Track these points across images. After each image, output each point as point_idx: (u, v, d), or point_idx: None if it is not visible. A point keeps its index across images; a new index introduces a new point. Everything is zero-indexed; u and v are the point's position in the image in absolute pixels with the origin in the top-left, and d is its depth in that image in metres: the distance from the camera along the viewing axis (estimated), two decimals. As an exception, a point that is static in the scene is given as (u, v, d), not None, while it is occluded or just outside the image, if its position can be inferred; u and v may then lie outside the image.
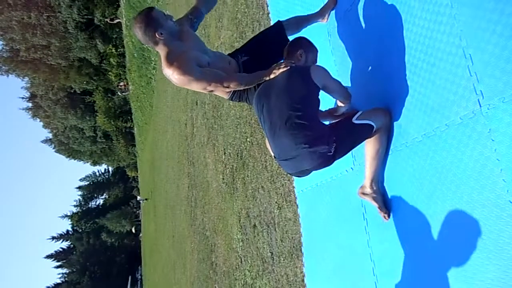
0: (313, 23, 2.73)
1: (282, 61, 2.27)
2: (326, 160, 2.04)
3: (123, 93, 33.77)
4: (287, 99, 2.03)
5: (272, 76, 2.18)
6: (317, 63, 2.35)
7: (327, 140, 1.97)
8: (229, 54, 2.54)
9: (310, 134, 1.95)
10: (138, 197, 26.18)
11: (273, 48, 2.49)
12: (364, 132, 2.09)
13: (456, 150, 1.79)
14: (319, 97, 2.11)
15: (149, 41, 2.19)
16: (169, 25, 2.21)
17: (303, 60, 2.26)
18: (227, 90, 2.31)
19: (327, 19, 2.78)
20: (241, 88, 2.32)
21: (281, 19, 2.61)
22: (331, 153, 1.98)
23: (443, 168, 1.86)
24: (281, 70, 2.14)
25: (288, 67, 2.14)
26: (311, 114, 2.02)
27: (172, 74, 2.16)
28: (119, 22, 30.89)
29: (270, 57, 2.47)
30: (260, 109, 2.18)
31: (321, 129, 2.02)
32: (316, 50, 2.38)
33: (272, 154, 2.25)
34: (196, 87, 2.23)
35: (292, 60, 2.22)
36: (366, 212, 2.41)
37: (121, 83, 33.91)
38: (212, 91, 2.33)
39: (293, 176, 2.30)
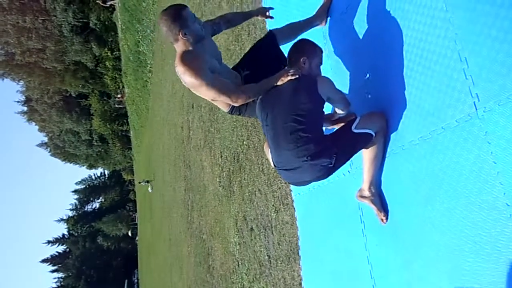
0: (311, 29, 2.71)
1: (288, 68, 2.24)
2: (327, 172, 2.07)
3: (119, 105, 33.95)
4: (292, 111, 2.02)
5: (279, 83, 2.16)
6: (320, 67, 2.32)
7: (329, 153, 1.99)
8: (232, 68, 2.56)
9: (313, 148, 1.97)
10: (139, 181, 22.79)
11: (267, 62, 2.49)
12: (364, 141, 2.11)
13: (453, 153, 1.79)
14: (323, 109, 2.14)
15: (170, 37, 2.18)
16: (195, 28, 2.20)
17: (307, 67, 2.21)
18: (236, 104, 2.30)
19: (325, 22, 2.75)
20: (250, 101, 2.29)
21: (272, 29, 2.59)
22: (331, 165, 2.02)
23: (439, 171, 1.86)
24: (288, 78, 2.13)
25: (296, 76, 2.12)
26: (315, 127, 2.04)
27: (183, 73, 2.15)
28: (112, 4, 30.53)
29: (266, 71, 2.45)
30: (264, 118, 2.17)
31: (323, 142, 2.03)
32: (321, 52, 2.32)
33: (271, 162, 2.25)
34: (205, 94, 2.23)
35: (295, 68, 2.19)
36: (363, 215, 2.41)
37: (118, 95, 34.10)
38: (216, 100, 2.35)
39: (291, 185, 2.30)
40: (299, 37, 2.63)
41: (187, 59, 2.15)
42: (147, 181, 18.84)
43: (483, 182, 1.65)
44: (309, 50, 2.27)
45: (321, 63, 2.32)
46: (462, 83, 1.73)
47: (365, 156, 2.19)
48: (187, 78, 2.15)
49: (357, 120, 2.12)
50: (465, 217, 1.73)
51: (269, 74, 2.46)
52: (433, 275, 1.90)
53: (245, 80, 2.43)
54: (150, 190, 19.16)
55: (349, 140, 2.09)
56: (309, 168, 2.01)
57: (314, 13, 2.73)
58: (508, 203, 1.55)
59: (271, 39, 2.53)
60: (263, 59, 2.52)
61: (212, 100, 2.39)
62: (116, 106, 35.59)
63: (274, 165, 2.20)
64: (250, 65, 2.52)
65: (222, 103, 2.40)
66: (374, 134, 2.10)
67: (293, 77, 2.12)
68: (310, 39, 2.83)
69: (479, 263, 1.66)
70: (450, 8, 1.80)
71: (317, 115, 2.08)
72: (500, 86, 1.57)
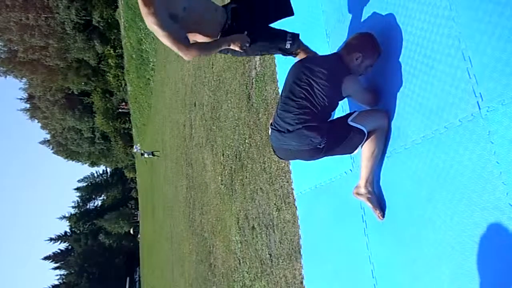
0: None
1: (244, 37, 2.21)
2: (313, 152, 2.10)
3: (123, 110, 34.20)
4: (313, 84, 2.08)
5: (232, 47, 2.20)
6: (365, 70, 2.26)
7: (322, 133, 2.04)
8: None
9: (311, 120, 2.03)
10: (141, 152, 18.69)
11: (270, 12, 2.38)
12: (355, 136, 2.11)
13: (455, 152, 1.78)
14: (339, 102, 2.17)
15: None
16: None
17: (357, 64, 2.17)
18: (186, 58, 2.24)
19: None
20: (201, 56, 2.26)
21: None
22: (320, 147, 2.06)
23: (442, 170, 1.85)
24: (236, 48, 2.21)
25: (243, 48, 2.21)
26: (324, 108, 2.08)
27: (144, 16, 2.06)
28: None
29: (262, 17, 2.38)
30: (291, 72, 2.22)
31: (322, 122, 2.08)
32: (378, 56, 2.22)
33: (271, 121, 2.29)
34: (160, 38, 2.15)
35: (348, 58, 2.16)
36: (365, 214, 2.40)
37: (123, 103, 34.52)
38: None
39: (276, 154, 2.31)
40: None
41: (148, 2, 2.02)
42: (152, 153, 15.94)
43: (485, 182, 1.64)
44: (371, 50, 2.19)
45: (371, 65, 2.25)
46: (466, 82, 1.72)
47: (363, 153, 2.19)
48: (148, 23, 2.08)
49: (355, 113, 2.14)
50: (467, 217, 1.72)
51: (263, 19, 2.38)
52: (435, 275, 1.89)
53: (232, 12, 2.30)
54: (146, 156, 16.18)
55: (341, 130, 2.11)
56: (299, 136, 2.06)
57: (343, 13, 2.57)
58: (511, 203, 1.54)
59: (287, 6, 2.39)
60: (266, 7, 2.39)
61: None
62: (120, 111, 36.00)
63: (271, 124, 2.25)
64: (243, 2, 2.37)
65: (208, 38, 2.30)
66: (366, 133, 2.10)
67: (239, 49, 2.21)
68: (314, 37, 2.83)
69: (481, 263, 1.65)
70: (454, 7, 1.79)
71: (330, 101, 2.10)
72: (504, 86, 1.56)
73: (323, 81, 2.07)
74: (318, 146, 2.05)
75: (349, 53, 2.17)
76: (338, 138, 2.11)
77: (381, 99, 2.28)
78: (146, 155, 16.95)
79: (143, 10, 2.04)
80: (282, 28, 2.45)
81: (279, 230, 3.66)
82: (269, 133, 2.30)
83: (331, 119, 2.19)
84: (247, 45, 2.24)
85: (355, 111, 2.17)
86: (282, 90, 2.25)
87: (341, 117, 2.19)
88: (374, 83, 2.36)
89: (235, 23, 2.27)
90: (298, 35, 2.42)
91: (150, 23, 2.06)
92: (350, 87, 2.13)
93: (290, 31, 2.42)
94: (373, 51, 2.20)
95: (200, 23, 2.24)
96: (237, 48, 2.23)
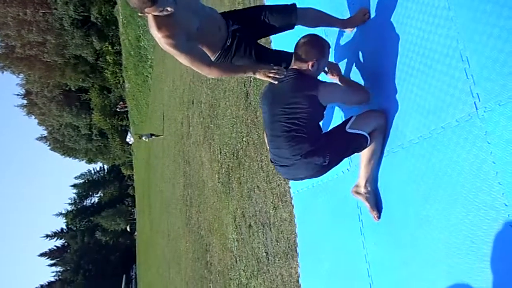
0: (329, 27, 2.58)
1: (272, 66, 2.15)
2: (321, 170, 2.10)
3: (121, 110, 34.20)
4: (290, 112, 2.04)
5: (257, 76, 2.17)
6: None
7: (323, 153, 2.02)
8: (222, 14, 2.38)
9: (307, 147, 2.00)
10: (139, 135, 17.81)
11: (271, 30, 2.39)
12: (357, 142, 2.11)
13: (452, 152, 1.79)
14: (324, 112, 2.14)
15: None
16: None
17: (315, 69, 2.14)
18: (209, 76, 2.30)
19: (350, 30, 2.54)
20: (222, 77, 2.32)
21: (298, 6, 2.37)
22: (325, 164, 2.05)
23: (439, 170, 1.86)
24: (266, 78, 2.15)
25: (275, 81, 2.12)
26: (311, 127, 2.06)
27: (159, 40, 2.06)
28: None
29: (263, 35, 2.40)
30: (264, 110, 2.20)
31: (318, 141, 2.04)
32: (328, 49, 2.20)
33: (270, 156, 2.26)
34: (181, 61, 2.19)
35: (305, 68, 2.12)
36: (362, 213, 2.41)
37: (121, 102, 34.64)
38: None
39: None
40: (315, 30, 2.51)
41: (161, 23, 2.00)
42: (152, 135, 14.99)
43: (482, 182, 1.65)
44: (321, 52, 2.16)
45: (327, 61, 2.26)
46: (463, 82, 1.73)
47: (363, 153, 2.19)
48: (162, 45, 2.08)
49: (352, 119, 2.12)
50: (463, 217, 1.73)
51: (255, 41, 2.37)
52: (431, 274, 1.90)
53: (232, 34, 2.30)
54: (145, 139, 15.43)
55: (342, 140, 2.10)
56: (302, 165, 2.05)
57: (345, 18, 2.52)
58: (507, 203, 1.55)
59: (290, 17, 2.34)
60: (268, 25, 2.35)
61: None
62: (117, 111, 36.01)
63: (271, 160, 2.24)
64: (247, 22, 2.35)
65: (209, 52, 2.31)
66: (368, 136, 2.10)
67: (271, 79, 2.13)
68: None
69: (477, 262, 1.66)
70: (453, 7, 1.79)
71: (314, 117, 2.09)
72: (501, 86, 1.57)
73: (299, 105, 2.02)
74: (323, 164, 2.05)
75: (304, 64, 2.13)
76: (341, 150, 2.11)
77: (369, 93, 2.27)
78: (144, 138, 15.86)
79: (157, 34, 2.03)
80: (280, 50, 2.46)
81: (276, 228, 3.67)
82: (273, 166, 2.28)
83: (330, 127, 2.18)
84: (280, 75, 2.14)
85: (351, 116, 2.15)
86: (264, 127, 2.23)
87: (338, 126, 2.17)
88: (367, 82, 2.36)
89: (235, 42, 2.31)
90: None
91: (166, 44, 2.07)
92: (327, 96, 2.09)
93: (287, 51, 2.42)
94: (322, 50, 2.16)
95: (208, 40, 2.28)
96: (263, 78, 2.18)
